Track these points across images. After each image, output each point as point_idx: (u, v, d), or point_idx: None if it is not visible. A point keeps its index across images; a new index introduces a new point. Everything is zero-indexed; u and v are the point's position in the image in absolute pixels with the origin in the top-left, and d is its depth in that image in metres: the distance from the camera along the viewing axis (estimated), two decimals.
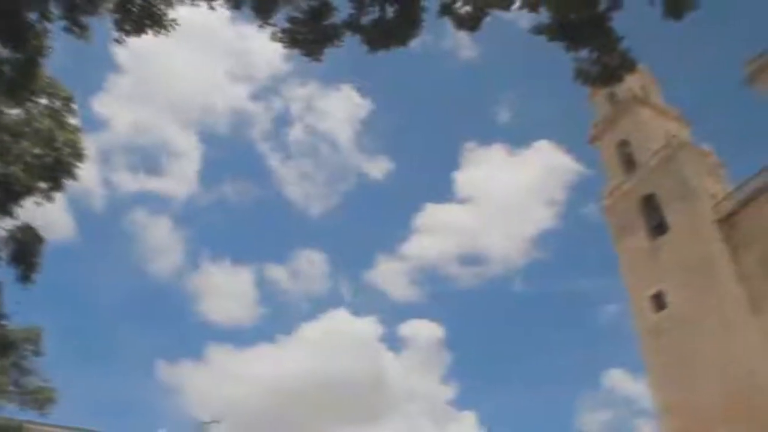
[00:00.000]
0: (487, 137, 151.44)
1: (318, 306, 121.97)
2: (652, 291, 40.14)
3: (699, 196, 39.71)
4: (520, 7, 8.92)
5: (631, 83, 45.06)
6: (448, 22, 9.09)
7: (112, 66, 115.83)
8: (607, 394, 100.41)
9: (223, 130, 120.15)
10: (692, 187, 40.06)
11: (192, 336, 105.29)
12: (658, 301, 39.79)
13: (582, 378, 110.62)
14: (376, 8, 8.88)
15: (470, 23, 8.95)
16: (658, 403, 38.50)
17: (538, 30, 9.06)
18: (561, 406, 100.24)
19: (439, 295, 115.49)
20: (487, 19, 9.12)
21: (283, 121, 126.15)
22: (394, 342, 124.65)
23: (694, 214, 39.26)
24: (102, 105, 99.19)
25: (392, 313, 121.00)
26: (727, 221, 37.86)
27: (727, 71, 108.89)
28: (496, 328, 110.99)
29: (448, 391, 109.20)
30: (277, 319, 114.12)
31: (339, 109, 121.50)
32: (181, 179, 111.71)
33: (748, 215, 37.10)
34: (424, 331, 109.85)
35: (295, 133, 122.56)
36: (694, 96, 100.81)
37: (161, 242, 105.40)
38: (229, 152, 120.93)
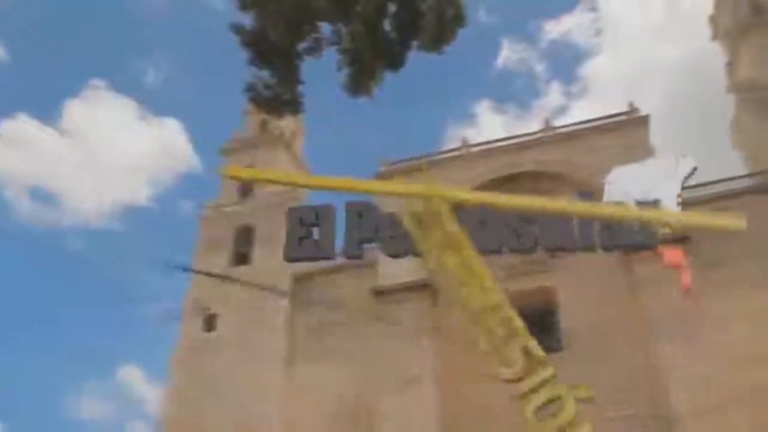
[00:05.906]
0: (121, 88, 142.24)
1: None
2: (210, 311, 40.90)
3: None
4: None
5: (287, 123, 46.88)
6: None
7: None
8: (117, 387, 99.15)
9: None
10: (282, 237, 42.20)
11: None
12: (210, 322, 40.63)
13: (97, 363, 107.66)
14: None
15: None
16: (165, 416, 38.63)
17: (236, 29, 8.89)
18: (66, 387, 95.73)
19: None
20: None
21: None
22: None
23: (274, 260, 41.18)
24: None
25: None
26: (302, 280, 40.59)
27: (374, 160, 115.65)
28: (34, 279, 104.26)
29: None
30: None
31: None
32: None
33: (316, 282, 40.11)
34: None
35: None
36: (337, 162, 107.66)
37: None
38: None
